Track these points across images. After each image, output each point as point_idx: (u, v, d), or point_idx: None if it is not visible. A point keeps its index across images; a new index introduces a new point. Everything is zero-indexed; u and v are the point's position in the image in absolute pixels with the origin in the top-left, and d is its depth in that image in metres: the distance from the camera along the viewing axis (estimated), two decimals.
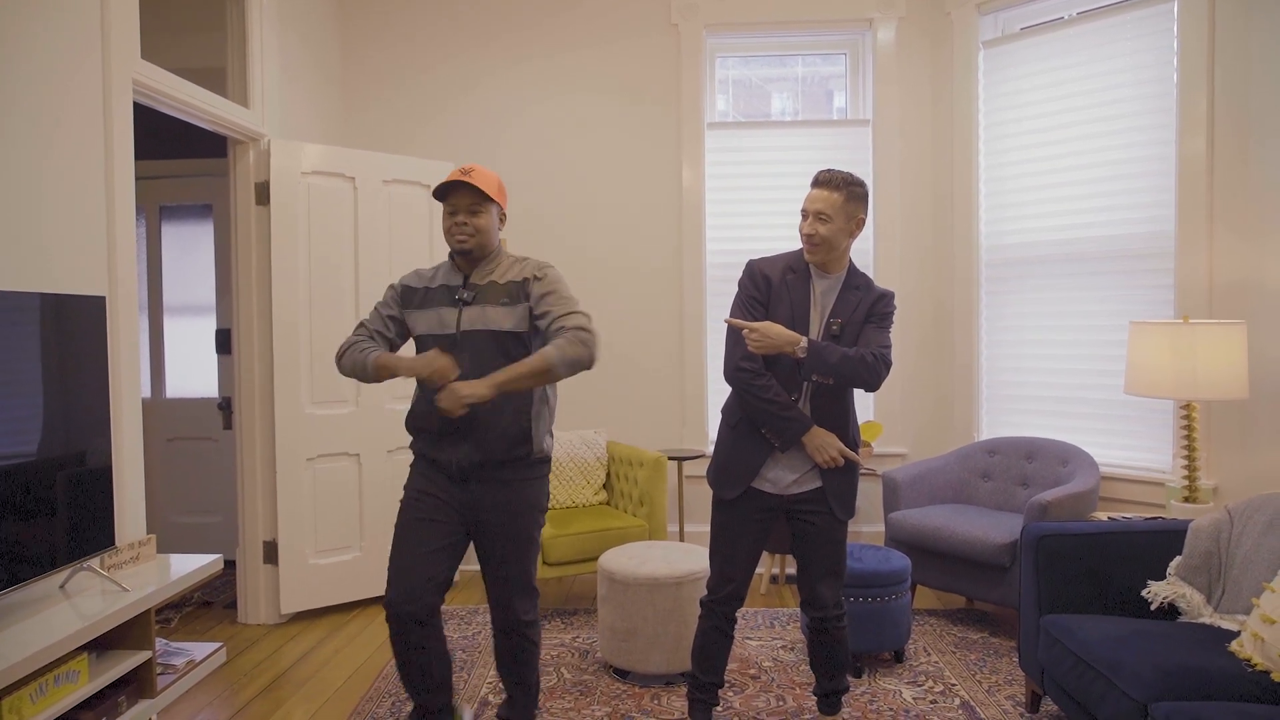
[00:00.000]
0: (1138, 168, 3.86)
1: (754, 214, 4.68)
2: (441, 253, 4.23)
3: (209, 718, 2.96)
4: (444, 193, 2.39)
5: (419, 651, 2.37)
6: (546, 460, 2.50)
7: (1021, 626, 2.85)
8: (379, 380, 2.39)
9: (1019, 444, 4.02)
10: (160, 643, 2.62)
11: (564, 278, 2.45)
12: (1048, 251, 4.19)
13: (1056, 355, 4.18)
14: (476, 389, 2.20)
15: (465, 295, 2.40)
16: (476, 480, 2.39)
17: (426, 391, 2.36)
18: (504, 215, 2.47)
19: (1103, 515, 3.50)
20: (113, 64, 2.75)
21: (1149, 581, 2.65)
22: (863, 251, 4.61)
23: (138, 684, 2.31)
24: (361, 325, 2.50)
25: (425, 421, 2.39)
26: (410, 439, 2.50)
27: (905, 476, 3.95)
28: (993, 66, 4.39)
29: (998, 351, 4.44)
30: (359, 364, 2.39)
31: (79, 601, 2.20)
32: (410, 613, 2.32)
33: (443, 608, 4.00)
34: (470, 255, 2.40)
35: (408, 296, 2.49)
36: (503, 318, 2.36)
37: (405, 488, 2.47)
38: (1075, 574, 2.72)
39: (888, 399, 4.63)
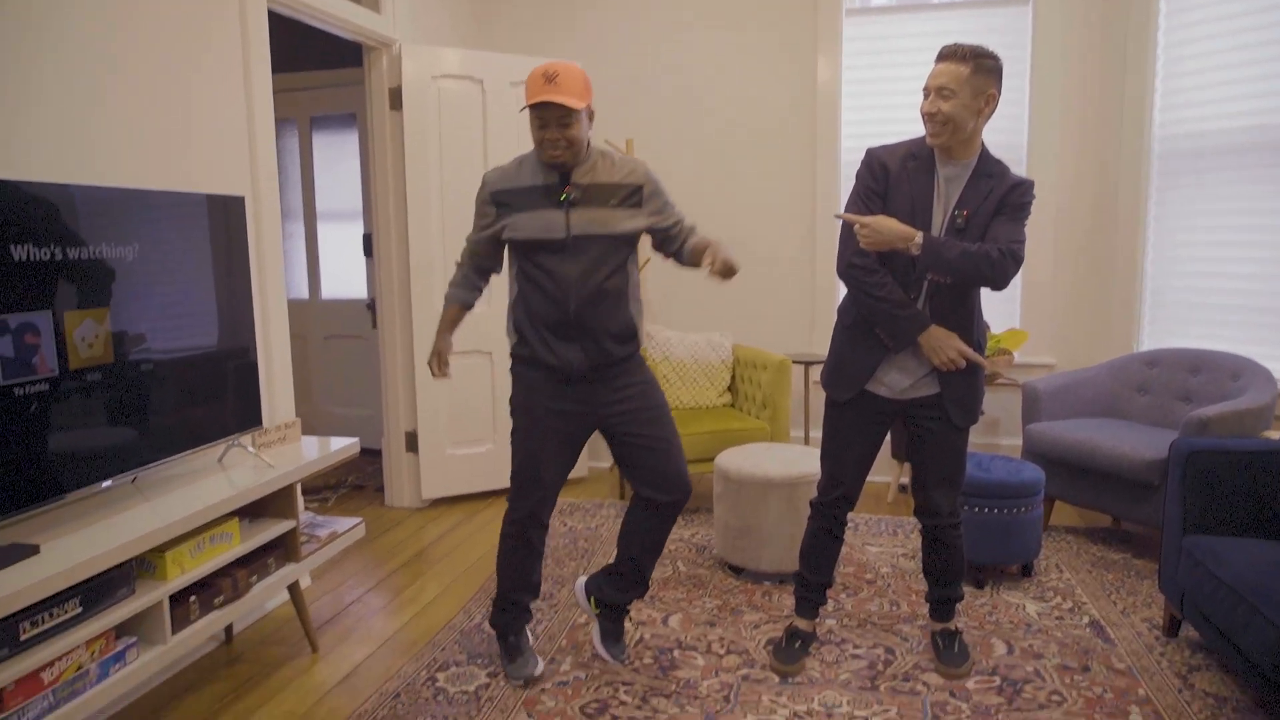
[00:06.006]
0: None
1: (895, 106, 4.37)
2: None
3: (356, 583, 3.26)
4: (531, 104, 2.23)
5: (528, 552, 2.48)
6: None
7: (1163, 547, 2.65)
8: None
9: (1183, 356, 3.66)
10: (308, 515, 2.89)
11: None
12: (1234, 140, 3.69)
13: (1237, 259, 3.72)
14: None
15: (572, 195, 2.28)
16: (590, 381, 2.36)
17: (544, 287, 2.31)
18: (592, 113, 2.31)
19: (1277, 435, 3.16)
20: None
21: None
22: (1015, 146, 4.24)
23: (284, 549, 2.57)
24: (468, 243, 2.49)
25: (543, 319, 2.34)
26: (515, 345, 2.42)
27: (1048, 387, 3.70)
28: None
29: (1167, 254, 4.01)
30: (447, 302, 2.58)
31: (233, 474, 2.45)
32: (538, 522, 2.44)
33: (572, 501, 4.18)
34: (565, 166, 2.29)
35: (501, 199, 2.34)
36: (620, 220, 2.30)
37: (519, 404, 2.41)
38: (1230, 494, 2.49)
39: (1036, 305, 4.32)
